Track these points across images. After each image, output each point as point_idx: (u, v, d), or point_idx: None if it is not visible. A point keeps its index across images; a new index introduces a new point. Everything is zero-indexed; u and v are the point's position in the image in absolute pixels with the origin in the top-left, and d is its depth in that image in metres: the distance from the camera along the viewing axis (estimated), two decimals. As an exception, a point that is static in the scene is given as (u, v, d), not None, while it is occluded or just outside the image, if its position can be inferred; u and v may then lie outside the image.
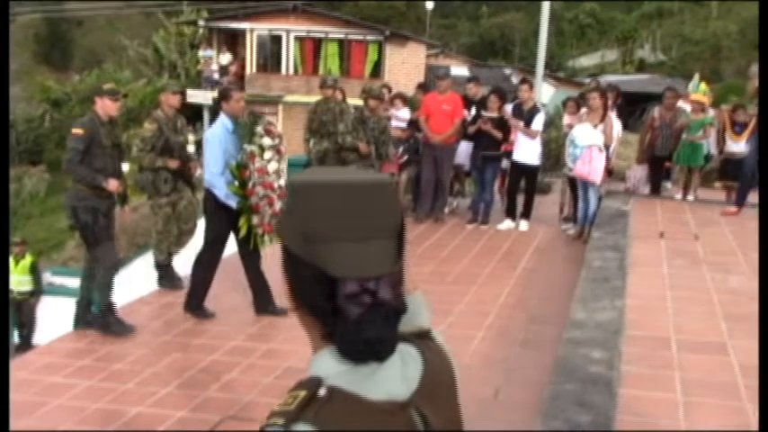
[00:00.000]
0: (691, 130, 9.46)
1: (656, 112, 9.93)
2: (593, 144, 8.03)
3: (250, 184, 5.74)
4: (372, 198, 1.08)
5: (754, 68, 8.22)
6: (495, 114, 9.10)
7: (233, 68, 26.92)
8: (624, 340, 4.55)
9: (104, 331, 5.81)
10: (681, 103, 9.86)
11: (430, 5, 35.38)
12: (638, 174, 10.15)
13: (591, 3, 42.18)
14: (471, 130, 9.26)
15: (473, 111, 9.42)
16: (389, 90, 11.24)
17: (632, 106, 12.19)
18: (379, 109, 9.00)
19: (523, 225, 9.16)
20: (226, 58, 27.06)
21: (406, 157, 9.72)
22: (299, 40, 27.12)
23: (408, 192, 10.44)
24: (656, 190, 9.98)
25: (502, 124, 9.09)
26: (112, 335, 5.77)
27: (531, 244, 8.41)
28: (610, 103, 8.61)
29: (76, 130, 5.66)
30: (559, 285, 6.44)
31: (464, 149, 9.62)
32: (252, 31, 27.17)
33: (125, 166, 6.27)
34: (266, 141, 5.82)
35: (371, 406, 1.07)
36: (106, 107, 5.77)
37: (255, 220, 5.82)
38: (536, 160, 9.08)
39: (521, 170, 9.11)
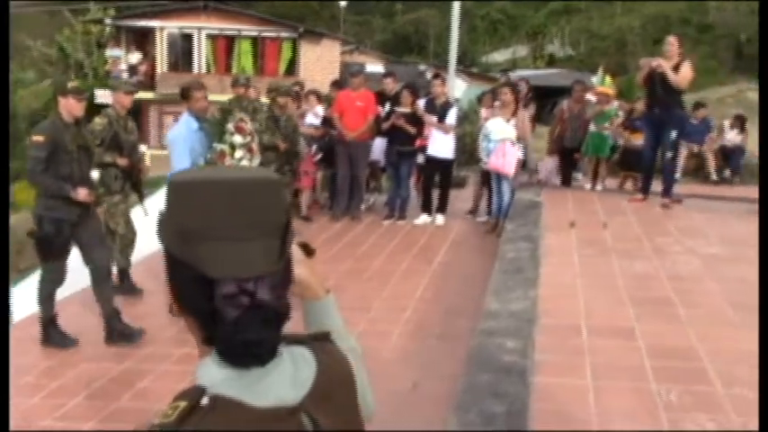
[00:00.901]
0: (597, 121, 9.75)
1: (564, 104, 10.20)
2: (506, 138, 8.19)
3: None
4: (254, 196, 1.04)
5: (643, 61, 8.61)
6: (408, 110, 9.14)
7: (143, 68, 26.23)
8: (537, 329, 4.63)
9: (46, 344, 5.55)
10: (588, 96, 10.15)
11: (343, 3, 35.34)
12: (548, 165, 10.41)
13: (502, 0, 43.03)
14: (385, 126, 9.28)
15: (387, 107, 9.44)
16: (302, 87, 11.16)
17: (543, 100, 12.49)
18: (289, 106, 8.91)
19: (440, 219, 9.24)
20: (135, 57, 26.33)
21: (320, 155, 9.67)
22: (211, 38, 26.65)
23: (324, 190, 10.39)
24: (566, 181, 10.25)
25: (415, 120, 9.14)
26: (55, 347, 5.52)
27: (448, 238, 8.49)
28: (522, 96, 8.83)
29: (37, 138, 5.19)
30: (475, 278, 6.52)
31: (379, 146, 9.64)
32: (162, 29, 26.53)
33: (94, 174, 5.89)
34: (237, 139, 5.63)
35: (258, 413, 1.03)
36: (71, 107, 5.31)
37: None
38: (450, 155, 9.18)
39: (435, 165, 9.19)
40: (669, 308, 5.02)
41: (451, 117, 9.11)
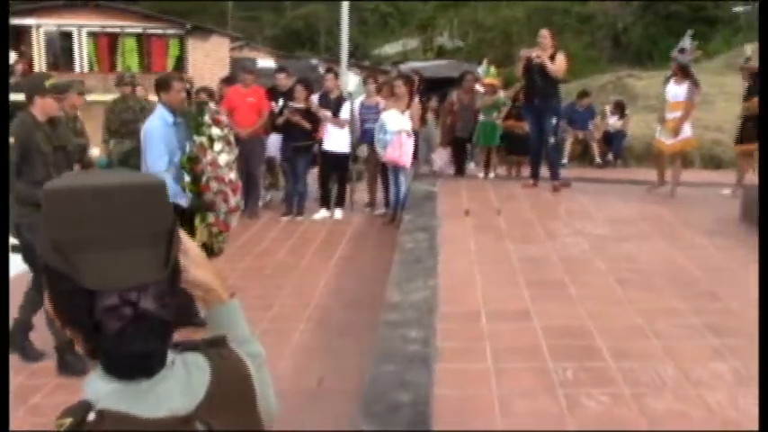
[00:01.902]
0: (486, 111, 10.00)
1: (454, 96, 10.41)
2: (401, 129, 8.27)
3: (204, 180, 5.17)
4: (135, 201, 1.00)
5: (522, 52, 8.94)
6: (302, 105, 9.08)
7: (19, 68, 24.90)
8: (438, 317, 4.72)
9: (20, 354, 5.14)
10: (477, 87, 10.39)
11: (231, -1, 34.75)
12: (443, 156, 10.60)
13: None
14: (279, 121, 9.20)
15: (280, 102, 9.35)
16: (192, 85, 10.89)
17: (434, 91, 12.69)
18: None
19: (338, 214, 9.25)
20: (10, 56, 24.98)
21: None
22: (93, 35, 25.60)
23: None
24: (460, 170, 10.47)
25: (310, 115, 9.10)
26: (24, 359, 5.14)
27: (347, 232, 8.51)
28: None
29: None
30: (375, 270, 6.56)
31: (274, 142, 9.53)
32: (38, 27, 25.26)
33: None
34: (215, 132, 5.25)
35: (148, 424, 1.00)
36: (48, 107, 4.87)
37: (211, 218, 5.28)
38: (346, 148, 9.19)
39: (332, 159, 9.19)
40: (562, 289, 5.22)
41: (345, 111, 9.12)
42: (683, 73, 8.61)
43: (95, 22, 25.30)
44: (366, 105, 9.38)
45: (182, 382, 1.06)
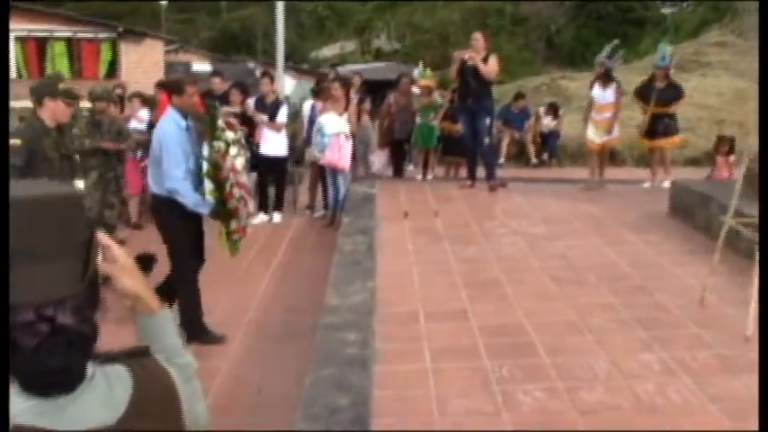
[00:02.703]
0: (423, 113, 10.10)
1: (391, 98, 10.47)
2: (340, 132, 8.29)
3: (227, 186, 4.99)
4: (49, 214, 0.99)
5: (456, 54, 9.09)
6: (237, 109, 9.00)
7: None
8: (377, 319, 4.75)
9: None
10: (414, 89, 10.47)
11: (164, 2, 34.17)
12: (381, 158, 10.65)
13: (328, -5, 43.29)
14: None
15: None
16: (124, 90, 10.68)
17: (373, 93, 12.74)
18: (110, 110, 8.46)
19: (276, 217, 9.20)
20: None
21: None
22: (20, 40, 24.83)
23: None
24: (398, 172, 10.54)
25: (246, 119, 9.02)
26: None
27: (286, 236, 8.48)
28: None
29: (14, 141, 4.46)
30: (315, 273, 6.56)
31: (210, 147, 9.41)
32: (-39, 31, 24.40)
33: (80, 184, 5.13)
34: (230, 136, 5.06)
35: None
36: (58, 111, 4.66)
37: (234, 225, 5.13)
38: (283, 152, 9.16)
39: (269, 163, 9.14)
40: (498, 288, 5.32)
41: (282, 115, 9.09)
42: (608, 77, 9.34)
43: (22, 27, 24.55)
44: (315, 107, 9.36)
45: (102, 396, 1.05)
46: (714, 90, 16.38)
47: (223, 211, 5.07)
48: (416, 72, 10.90)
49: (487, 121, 9.04)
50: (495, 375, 3.88)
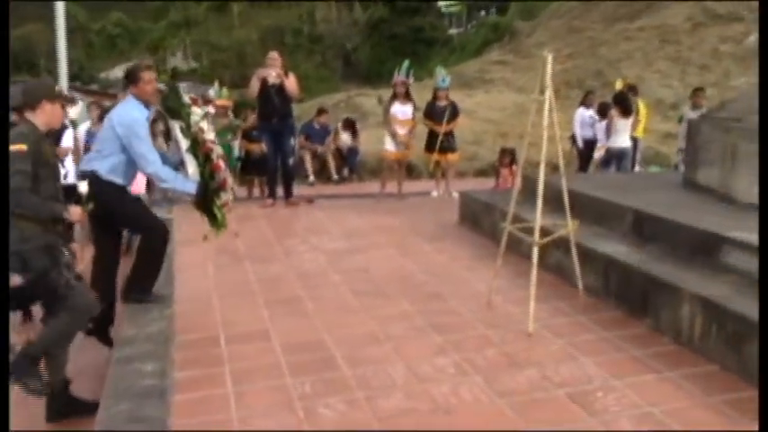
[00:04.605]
0: (220, 134, 9.94)
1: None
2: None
3: (214, 157, 5.02)
4: None
5: (261, 72, 9.12)
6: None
7: None
8: (175, 347, 4.60)
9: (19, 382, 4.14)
10: (209, 109, 10.29)
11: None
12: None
13: (116, 13, 41.50)
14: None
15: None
16: None
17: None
18: None
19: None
20: None
21: None
22: None
23: None
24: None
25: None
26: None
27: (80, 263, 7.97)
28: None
29: (19, 146, 3.93)
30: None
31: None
32: None
33: (83, 187, 4.82)
34: (198, 111, 5.02)
35: None
36: (56, 115, 4.27)
37: (224, 197, 5.05)
38: (70, 179, 8.61)
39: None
40: (299, 305, 5.35)
41: (67, 140, 8.57)
42: (407, 95, 10.03)
43: None
44: (92, 133, 8.88)
45: None
46: (498, 105, 17.67)
47: (212, 185, 5.10)
48: (212, 92, 10.75)
49: (292, 141, 9.18)
50: (297, 392, 3.89)
